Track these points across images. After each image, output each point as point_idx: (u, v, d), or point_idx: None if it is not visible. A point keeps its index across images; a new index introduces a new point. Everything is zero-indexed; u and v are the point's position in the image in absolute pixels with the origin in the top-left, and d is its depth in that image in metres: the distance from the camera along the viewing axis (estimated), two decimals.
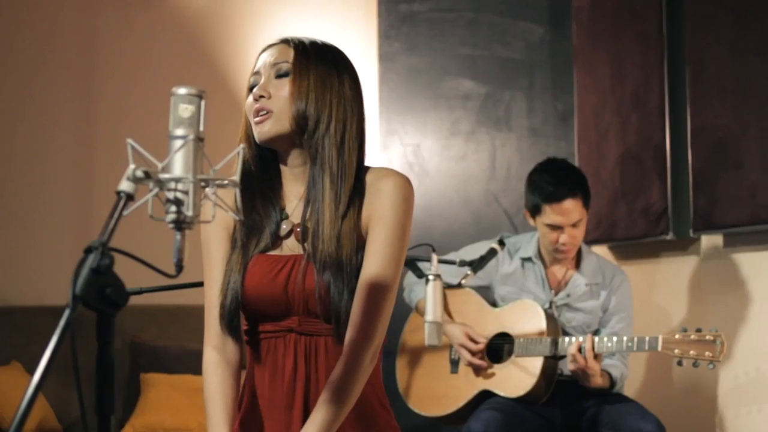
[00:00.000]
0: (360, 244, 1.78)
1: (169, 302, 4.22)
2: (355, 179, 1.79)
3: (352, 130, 1.80)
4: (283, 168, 1.84)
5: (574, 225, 3.30)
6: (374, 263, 1.74)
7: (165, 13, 4.66)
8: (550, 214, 3.29)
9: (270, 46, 1.85)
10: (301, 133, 1.78)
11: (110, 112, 4.61)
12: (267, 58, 1.82)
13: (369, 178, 1.81)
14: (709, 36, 3.51)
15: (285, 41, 1.84)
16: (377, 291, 1.73)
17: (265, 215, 1.81)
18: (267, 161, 1.85)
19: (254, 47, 4.58)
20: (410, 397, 3.48)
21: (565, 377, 3.35)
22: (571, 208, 3.28)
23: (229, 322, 1.79)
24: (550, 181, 3.30)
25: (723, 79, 3.44)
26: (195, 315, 4.24)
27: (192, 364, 4.02)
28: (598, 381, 3.17)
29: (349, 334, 1.74)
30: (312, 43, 1.83)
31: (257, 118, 1.78)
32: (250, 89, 1.82)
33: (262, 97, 1.78)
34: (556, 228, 3.30)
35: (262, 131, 1.78)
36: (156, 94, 4.48)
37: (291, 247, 1.81)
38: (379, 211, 1.77)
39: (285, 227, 1.82)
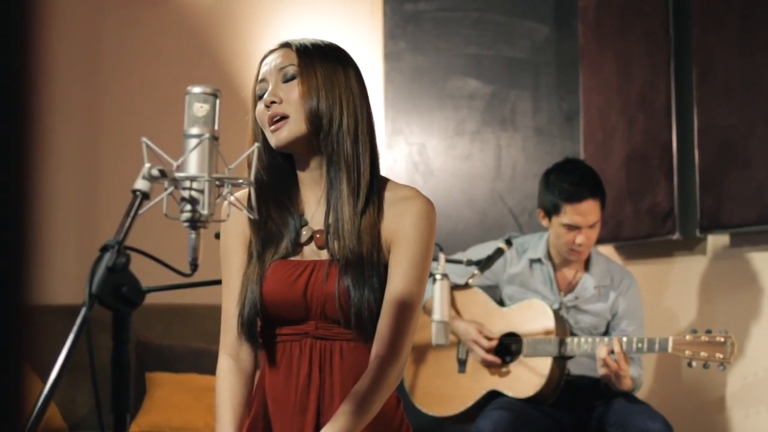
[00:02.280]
0: (380, 246, 1.78)
1: (174, 301, 4.21)
2: (371, 176, 1.79)
3: (363, 124, 1.80)
4: (300, 174, 1.84)
5: (591, 226, 3.29)
6: (400, 282, 1.76)
7: (171, 11, 4.66)
8: (570, 214, 3.28)
9: (271, 51, 1.85)
10: (317, 133, 1.77)
11: (116, 111, 4.61)
12: (271, 63, 1.82)
13: (390, 193, 1.82)
14: (716, 36, 3.51)
15: (286, 45, 1.83)
16: (404, 309, 1.75)
17: (283, 223, 1.81)
18: (280, 169, 1.84)
19: (260, 45, 4.58)
20: (416, 396, 3.48)
21: (573, 377, 3.34)
22: (591, 209, 3.27)
23: (248, 331, 1.80)
24: (572, 182, 3.29)
25: (730, 79, 3.43)
26: (200, 314, 4.24)
27: (197, 363, 4.02)
28: (629, 383, 3.17)
29: (375, 350, 1.75)
30: (313, 44, 1.83)
31: (273, 126, 1.78)
32: (259, 98, 1.82)
33: (273, 102, 1.78)
34: (574, 228, 3.29)
35: (279, 137, 1.77)
36: (162, 93, 4.49)
37: (311, 252, 1.81)
38: (404, 232, 1.78)
39: (305, 233, 1.82)
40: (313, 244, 1.82)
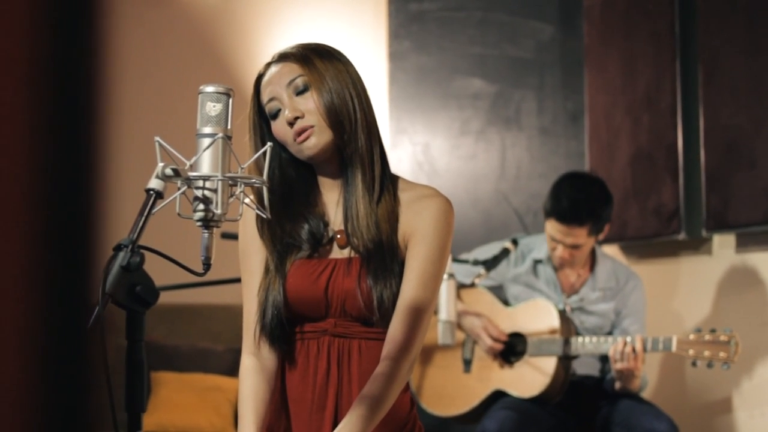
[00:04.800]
0: (399, 235, 1.79)
1: (179, 300, 4.21)
2: (382, 166, 1.80)
3: (370, 114, 1.81)
4: (320, 178, 1.85)
5: (572, 246, 3.28)
6: (415, 280, 1.76)
7: (176, 10, 4.66)
8: (553, 226, 3.28)
9: (266, 68, 1.82)
10: (341, 136, 1.77)
11: (120, 110, 4.60)
12: (275, 80, 1.79)
13: (409, 192, 1.83)
14: (721, 35, 3.50)
15: (283, 57, 1.81)
16: (417, 307, 1.75)
17: (303, 227, 1.81)
18: (297, 177, 1.84)
19: (265, 45, 4.58)
20: (422, 396, 3.48)
21: (578, 377, 3.34)
22: (572, 233, 3.24)
23: (270, 335, 1.80)
24: (567, 202, 3.24)
25: (736, 79, 3.43)
26: (205, 313, 4.24)
27: (202, 362, 4.02)
28: (637, 384, 3.16)
29: (386, 348, 1.75)
30: (308, 48, 1.82)
31: (299, 138, 1.76)
32: (272, 117, 1.79)
33: (297, 118, 1.76)
34: (554, 240, 3.29)
35: (308, 146, 1.76)
36: (167, 92, 4.48)
37: (334, 252, 1.82)
38: (422, 230, 1.79)
39: (326, 235, 1.82)
40: (335, 245, 1.82)
